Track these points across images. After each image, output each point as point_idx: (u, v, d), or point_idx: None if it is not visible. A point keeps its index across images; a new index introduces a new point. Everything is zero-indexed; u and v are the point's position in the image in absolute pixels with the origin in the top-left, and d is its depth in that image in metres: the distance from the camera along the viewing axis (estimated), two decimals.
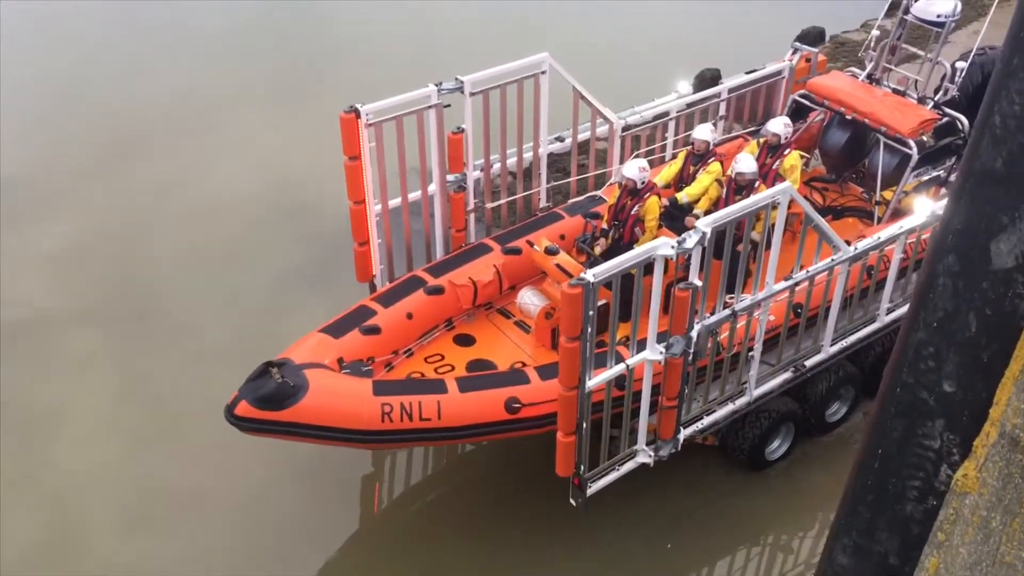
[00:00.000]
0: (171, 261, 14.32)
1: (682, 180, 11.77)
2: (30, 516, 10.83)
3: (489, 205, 11.93)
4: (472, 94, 11.04)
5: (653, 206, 10.83)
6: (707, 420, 10.40)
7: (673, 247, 8.59)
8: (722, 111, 13.61)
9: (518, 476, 11.04)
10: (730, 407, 10.56)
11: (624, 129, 12.47)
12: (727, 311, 9.59)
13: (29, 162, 16.34)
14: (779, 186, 9.42)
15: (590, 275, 8.17)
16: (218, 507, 10.83)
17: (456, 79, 10.93)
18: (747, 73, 13.83)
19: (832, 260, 10.28)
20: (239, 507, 10.83)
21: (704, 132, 11.61)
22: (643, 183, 10.74)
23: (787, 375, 10.94)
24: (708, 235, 8.71)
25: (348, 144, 10.40)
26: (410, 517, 11.19)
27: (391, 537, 10.87)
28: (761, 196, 9.35)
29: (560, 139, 12.37)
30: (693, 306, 9.01)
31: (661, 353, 9.18)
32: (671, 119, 13.05)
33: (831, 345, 11.14)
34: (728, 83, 13.59)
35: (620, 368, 9.02)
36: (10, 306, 13.51)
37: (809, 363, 11.06)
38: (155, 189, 15.72)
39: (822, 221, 9.96)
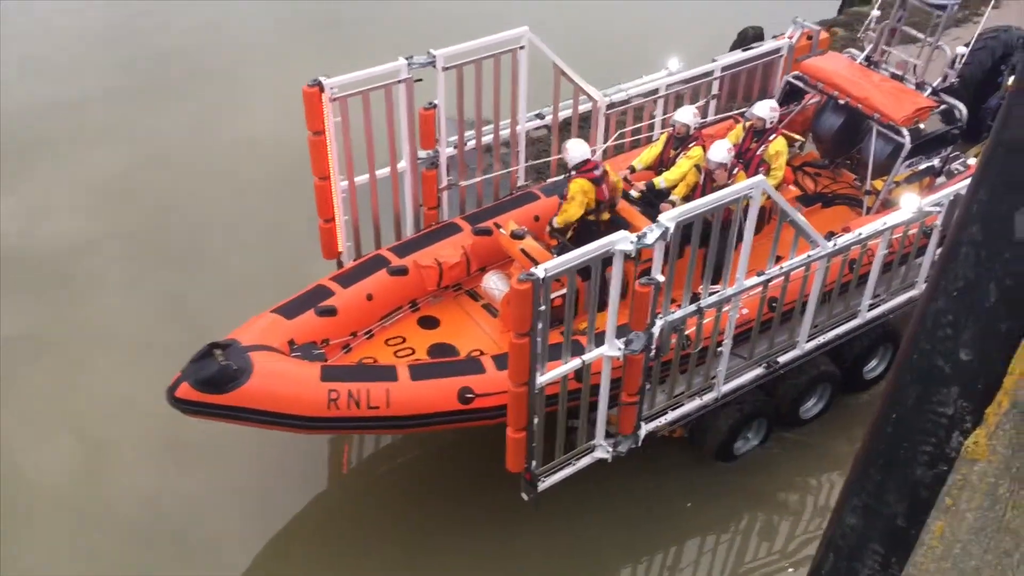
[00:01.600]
0: (214, 194, 14.38)
1: (662, 164, 11.36)
2: (60, 442, 10.95)
3: (463, 183, 11.56)
4: (445, 68, 10.63)
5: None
6: (672, 415, 10.11)
7: (632, 242, 8.22)
8: (715, 90, 13.11)
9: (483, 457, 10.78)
10: (697, 402, 10.25)
11: (608, 107, 12.02)
12: (692, 307, 9.24)
13: (81, 89, 16.49)
14: (752, 179, 9.00)
15: (541, 270, 7.84)
16: (238, 445, 10.69)
17: (428, 53, 10.53)
18: (743, 50, 13.31)
19: (808, 256, 9.87)
20: (256, 447, 10.72)
21: (685, 115, 11.18)
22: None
23: (759, 371, 10.61)
24: (671, 230, 8.34)
25: (311, 118, 10.05)
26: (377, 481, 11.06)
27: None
28: (732, 189, 8.94)
29: (540, 116, 11.96)
30: (655, 302, 8.69)
31: (620, 349, 8.86)
32: (659, 97, 12.59)
33: (807, 341, 10.78)
34: (721, 60, 13.07)
35: (575, 364, 8.71)
36: (52, 232, 13.74)
37: (783, 359, 10.71)
38: (200, 123, 15.76)
39: (798, 216, 9.55)
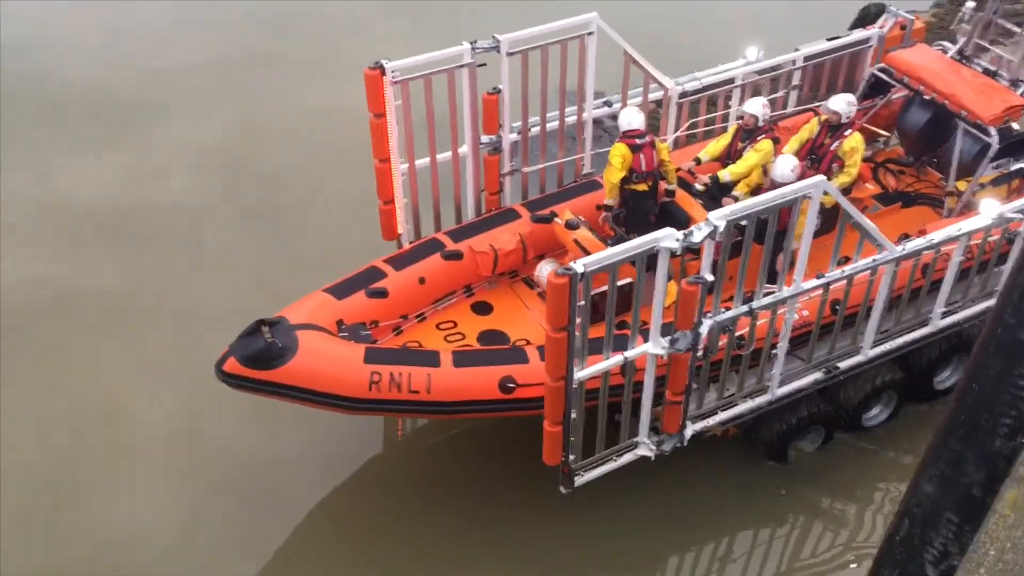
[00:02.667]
0: (315, 166, 14.65)
1: (729, 156, 11.03)
2: (166, 398, 11.39)
3: (526, 169, 11.46)
4: (510, 54, 10.53)
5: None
6: (722, 416, 9.87)
7: (678, 240, 8.02)
8: (796, 80, 12.64)
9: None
10: (750, 404, 9.99)
11: (681, 96, 11.72)
12: (744, 307, 8.97)
13: (186, 56, 17.01)
14: (812, 179, 8.66)
15: (580, 264, 7.71)
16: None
17: (493, 38, 10.44)
18: (828, 40, 12.78)
19: (873, 260, 9.46)
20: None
21: (754, 106, 10.82)
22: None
23: (818, 375, 10.26)
24: (720, 229, 8.09)
25: (373, 101, 10.09)
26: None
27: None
28: (790, 188, 8.62)
29: (608, 104, 11.75)
30: (703, 301, 8.47)
31: (664, 347, 8.68)
32: (736, 87, 12.20)
33: (871, 348, 10.37)
34: (804, 50, 12.57)
35: (616, 360, 8.56)
36: (155, 191, 14.25)
37: (844, 365, 10.33)
38: (308, 93, 15.98)
39: (863, 218, 9.14)
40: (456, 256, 10.47)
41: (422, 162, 10.82)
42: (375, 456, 11.09)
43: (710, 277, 8.36)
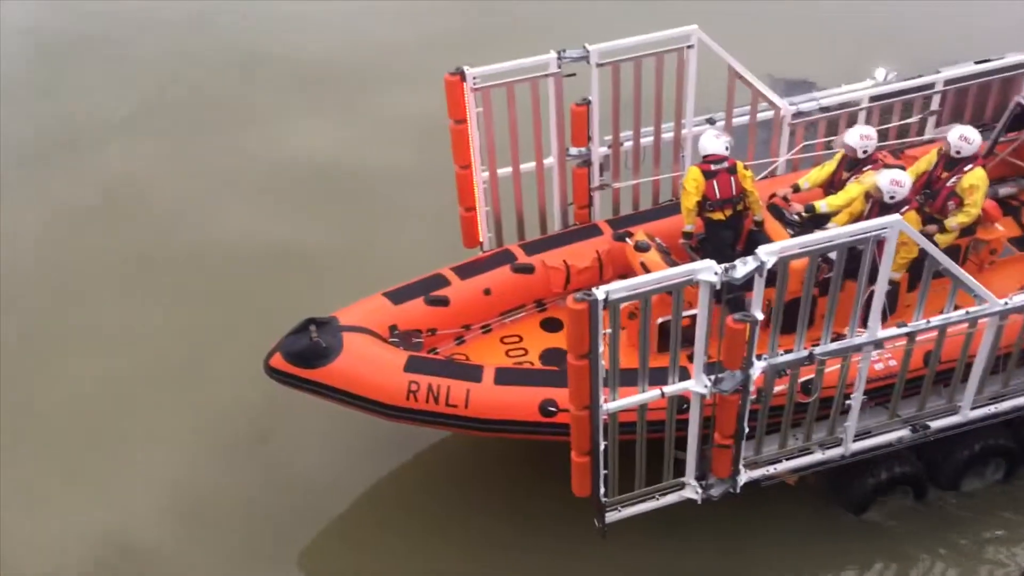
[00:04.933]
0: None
1: (832, 186, 10.17)
2: None
3: (616, 184, 11.03)
4: (599, 65, 10.15)
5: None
6: (785, 465, 9.12)
7: (717, 273, 7.44)
8: (935, 105, 11.51)
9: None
10: (818, 456, 9.18)
11: (795, 116, 10.93)
12: (804, 353, 8.23)
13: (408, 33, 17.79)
14: (886, 218, 7.80)
15: (602, 291, 7.29)
16: None
17: (583, 47, 10.09)
18: (977, 63, 11.56)
19: (967, 312, 8.45)
20: None
21: (851, 136, 9.91)
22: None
23: (903, 433, 9.29)
24: (767, 265, 7.44)
25: (453, 107, 9.97)
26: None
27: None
28: (861, 227, 7.82)
29: (711, 121, 11.09)
30: (753, 341, 7.83)
31: (706, 387, 8.09)
32: (860, 109, 11.25)
33: (972, 409, 9.28)
34: (946, 72, 11.43)
35: (652, 395, 8.06)
36: (358, 156, 14.89)
37: (937, 424, 9.30)
38: None
39: (955, 266, 8.18)
40: (527, 269, 10.21)
41: (504, 171, 10.62)
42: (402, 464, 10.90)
43: (759, 315, 7.72)
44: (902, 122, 11.29)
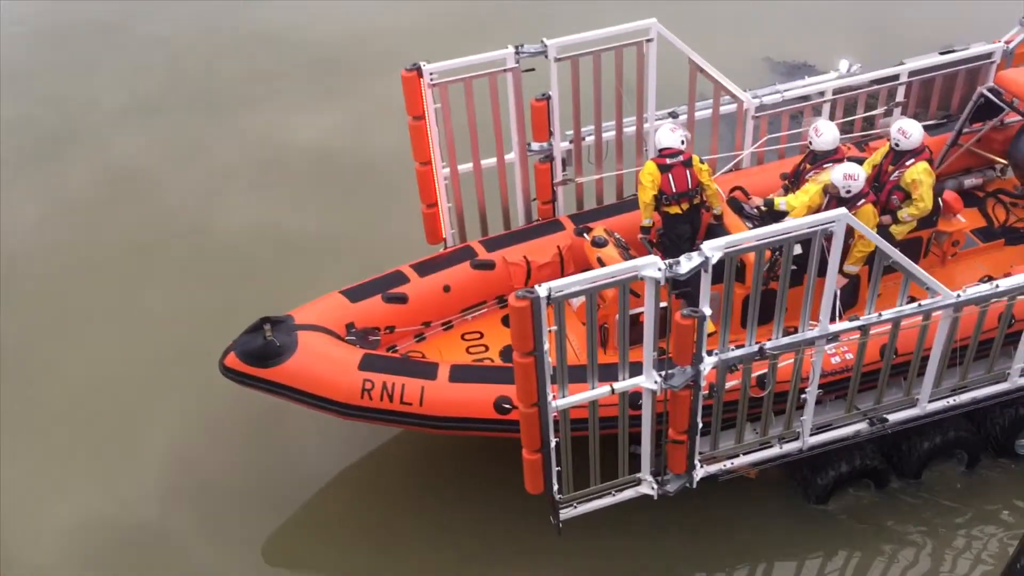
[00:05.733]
0: None
1: (794, 178, 10.14)
2: None
3: (579, 179, 10.99)
4: (557, 59, 10.10)
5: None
6: (742, 460, 9.11)
7: (661, 269, 7.41)
8: (899, 97, 11.45)
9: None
10: (776, 450, 9.16)
11: (759, 109, 10.89)
12: (754, 347, 8.20)
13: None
14: (832, 212, 7.77)
15: (544, 288, 7.27)
16: None
17: (542, 42, 10.04)
18: (941, 53, 11.50)
19: (919, 305, 8.42)
20: None
21: (824, 130, 9.85)
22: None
23: (861, 427, 9.27)
24: (711, 260, 7.41)
25: (411, 103, 9.91)
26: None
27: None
28: (808, 220, 7.78)
29: (674, 115, 11.06)
30: (701, 336, 7.81)
31: (656, 383, 8.07)
32: (825, 102, 11.20)
33: (930, 401, 9.26)
34: (911, 63, 11.37)
35: (602, 392, 8.04)
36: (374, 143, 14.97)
37: (895, 418, 9.28)
38: None
39: (905, 259, 8.13)
40: (487, 266, 10.20)
41: (465, 167, 10.59)
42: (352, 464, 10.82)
43: (707, 311, 7.70)
44: (867, 114, 11.24)
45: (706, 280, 7.56)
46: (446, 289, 10.01)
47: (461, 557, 9.79)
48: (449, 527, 9.97)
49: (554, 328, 7.49)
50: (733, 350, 8.20)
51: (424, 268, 10.11)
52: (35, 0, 19.53)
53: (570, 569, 9.66)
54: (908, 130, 9.55)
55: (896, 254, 8.07)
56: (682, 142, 9.73)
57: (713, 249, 7.42)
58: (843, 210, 7.76)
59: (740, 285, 9.11)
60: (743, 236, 7.70)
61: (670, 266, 7.41)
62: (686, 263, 7.42)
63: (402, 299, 9.80)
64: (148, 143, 15.76)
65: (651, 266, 7.42)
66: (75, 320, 12.59)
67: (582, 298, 8.93)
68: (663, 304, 7.94)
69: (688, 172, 9.64)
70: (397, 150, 13.21)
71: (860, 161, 10.66)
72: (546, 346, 7.49)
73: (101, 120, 16.29)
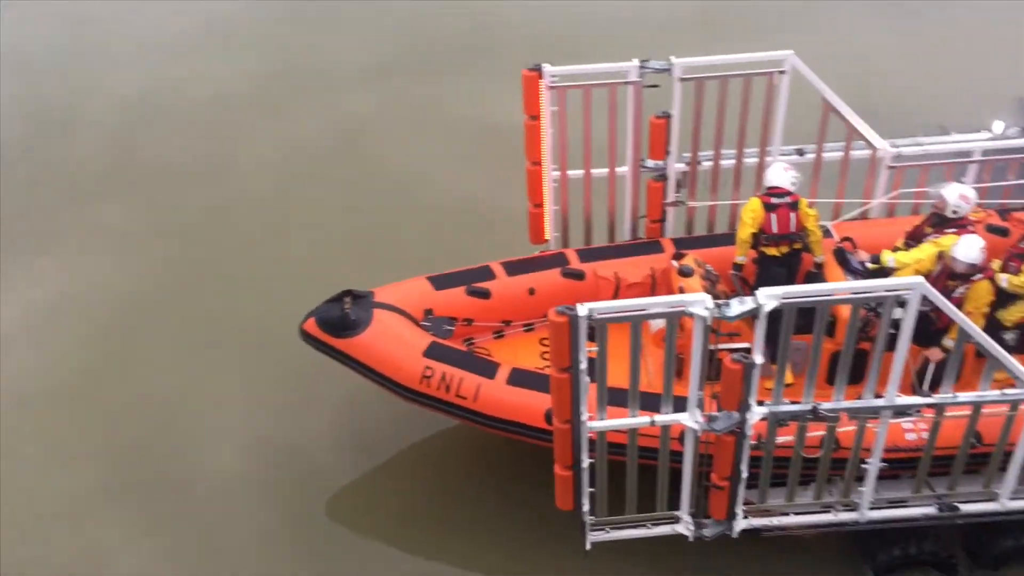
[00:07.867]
0: None
1: (913, 238, 9.54)
2: None
3: (692, 203, 10.75)
4: (682, 79, 9.92)
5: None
6: (791, 520, 8.72)
7: (708, 308, 7.19)
8: None
9: None
10: (830, 517, 8.70)
11: (895, 159, 10.26)
12: (808, 406, 7.82)
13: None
14: (909, 278, 7.28)
15: (584, 308, 7.22)
16: None
17: (668, 60, 9.89)
18: None
19: (1003, 394, 7.77)
20: None
21: (951, 192, 9.22)
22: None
23: (929, 510, 8.66)
24: (764, 308, 7.13)
25: (529, 103, 10.02)
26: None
27: None
28: (879, 283, 7.35)
29: (800, 153, 10.60)
30: (750, 383, 7.54)
31: (697, 423, 7.85)
32: (971, 161, 10.42)
33: (1012, 499, 8.52)
34: None
35: (642, 421, 7.90)
36: None
37: (968, 508, 8.60)
38: None
39: (989, 341, 7.52)
40: (577, 275, 10.18)
41: (575, 173, 10.59)
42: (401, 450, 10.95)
43: (759, 359, 7.42)
44: (1017, 182, 10.38)
45: (759, 328, 7.29)
46: (531, 292, 10.07)
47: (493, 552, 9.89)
48: (489, 522, 10.10)
49: (594, 349, 7.43)
50: (786, 404, 7.86)
51: (513, 268, 10.21)
52: None
53: None
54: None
55: (979, 334, 7.48)
56: (792, 183, 9.35)
57: (768, 297, 7.14)
58: (920, 279, 7.24)
59: (831, 340, 8.75)
60: (802, 289, 7.37)
61: (719, 307, 7.20)
62: (737, 307, 7.18)
63: (485, 294, 9.95)
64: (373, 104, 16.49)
65: (699, 303, 7.23)
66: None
67: (661, 323, 8.92)
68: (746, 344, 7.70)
69: (793, 215, 9.28)
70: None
71: (1001, 231, 9.98)
72: (583, 365, 7.46)
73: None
